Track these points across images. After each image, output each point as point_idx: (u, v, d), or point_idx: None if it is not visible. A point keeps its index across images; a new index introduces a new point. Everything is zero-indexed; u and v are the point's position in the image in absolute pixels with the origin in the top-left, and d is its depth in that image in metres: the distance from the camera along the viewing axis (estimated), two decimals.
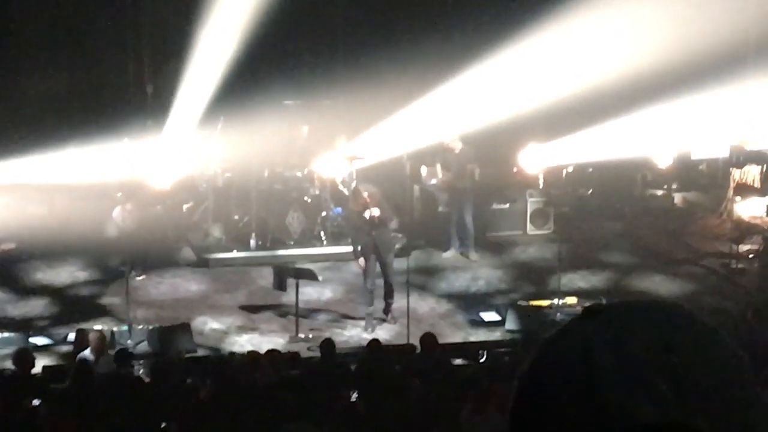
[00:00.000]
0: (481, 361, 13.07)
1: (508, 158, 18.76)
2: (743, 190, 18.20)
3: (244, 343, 14.25)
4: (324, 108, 19.31)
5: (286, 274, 14.80)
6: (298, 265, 15.35)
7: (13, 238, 17.21)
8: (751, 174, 18.32)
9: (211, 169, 17.70)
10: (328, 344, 12.36)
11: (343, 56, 20.37)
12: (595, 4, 18.05)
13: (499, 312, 15.09)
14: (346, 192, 17.09)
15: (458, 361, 13.09)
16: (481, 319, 15.08)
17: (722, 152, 18.50)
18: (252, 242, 17.15)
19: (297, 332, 14.33)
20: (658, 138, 18.90)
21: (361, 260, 14.71)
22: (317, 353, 12.64)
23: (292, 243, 17.16)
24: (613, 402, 1.21)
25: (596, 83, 17.96)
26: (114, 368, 11.82)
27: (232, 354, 13.14)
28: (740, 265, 16.76)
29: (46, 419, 10.42)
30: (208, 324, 14.90)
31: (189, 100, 18.75)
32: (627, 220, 19.13)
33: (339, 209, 17.41)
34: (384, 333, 14.46)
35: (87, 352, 12.18)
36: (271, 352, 12.38)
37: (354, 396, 11.14)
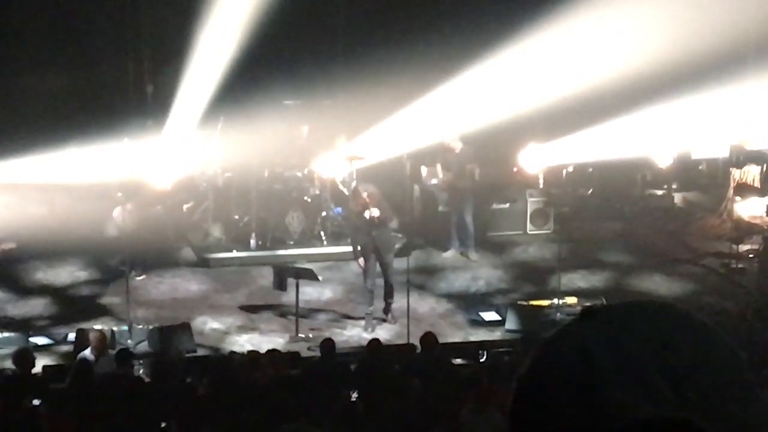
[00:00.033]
0: (481, 360, 13.07)
1: (508, 158, 18.76)
2: (743, 190, 18.19)
3: (244, 342, 14.25)
4: (324, 108, 19.31)
5: (286, 273, 14.80)
6: (298, 265, 15.36)
7: (13, 237, 17.21)
8: (751, 174, 18.31)
9: (211, 169, 17.70)
10: (328, 344, 12.36)
11: (343, 56, 20.36)
12: (595, 4, 18.05)
13: (499, 312, 15.10)
14: (346, 192, 17.09)
15: (458, 361, 13.09)
16: (481, 318, 15.08)
17: (722, 152, 18.50)
18: (252, 242, 17.15)
19: (297, 332, 14.34)
20: (658, 138, 18.90)
21: (361, 260, 14.72)
22: (317, 353, 12.64)
23: (292, 243, 17.17)
24: (613, 401, 1.22)
25: (596, 83, 17.96)
26: (114, 368, 11.83)
27: (232, 354, 13.14)
28: (740, 265, 16.76)
29: (46, 419, 10.42)
30: (208, 324, 14.90)
31: (189, 100, 18.74)
32: (627, 220, 19.13)
33: (339, 209, 17.42)
34: (384, 333, 14.46)
35: (87, 352, 12.18)
36: (271, 352, 12.39)
37: (354, 396, 11.14)
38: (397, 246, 15.87)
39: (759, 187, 18.10)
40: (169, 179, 17.54)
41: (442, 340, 13.19)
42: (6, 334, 14.35)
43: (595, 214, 19.23)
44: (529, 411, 1.29)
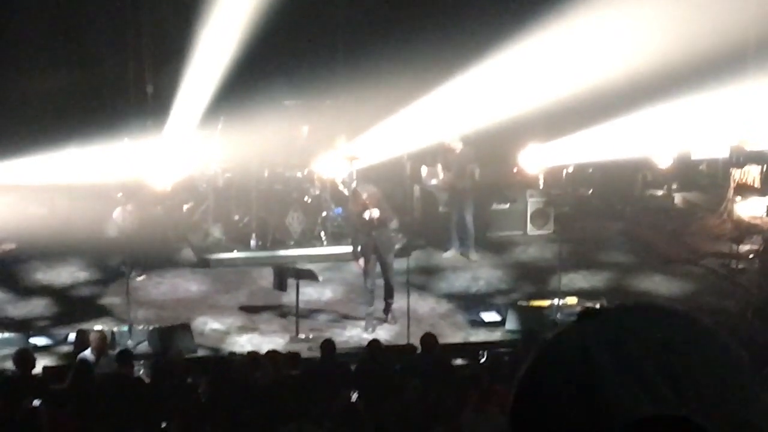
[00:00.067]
0: (482, 361, 13.07)
1: (508, 158, 18.76)
2: (743, 190, 18.20)
3: (244, 343, 14.25)
4: (324, 108, 19.31)
5: (287, 274, 14.80)
6: (299, 266, 15.36)
7: (13, 238, 17.21)
8: (751, 174, 18.32)
9: (212, 169, 17.70)
10: (328, 344, 12.36)
11: (343, 56, 20.37)
12: (595, 4, 18.05)
13: (499, 312, 15.10)
14: (346, 192, 17.09)
15: (458, 362, 13.09)
16: (482, 319, 15.08)
17: (722, 152, 18.52)
18: (252, 242, 17.15)
19: (297, 332, 14.33)
20: (659, 138, 18.90)
21: (361, 260, 14.71)
22: (317, 353, 12.64)
23: (292, 243, 17.16)
24: (613, 400, 1.22)
25: (596, 83, 17.96)
26: (114, 368, 11.82)
27: (233, 354, 13.14)
28: (740, 265, 16.76)
29: (47, 419, 10.42)
30: (209, 324, 14.90)
31: (189, 100, 18.75)
32: (627, 220, 19.13)
33: (339, 209, 17.42)
34: (384, 333, 14.46)
35: (87, 353, 12.18)
36: (272, 353, 12.39)
37: (354, 396, 11.14)
38: (397, 246, 15.86)
39: (759, 187, 18.12)
40: (169, 179, 17.54)
41: (442, 340, 13.19)
42: (6, 335, 14.35)
43: (595, 215, 19.24)
44: (529, 410, 1.29)
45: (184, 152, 17.89)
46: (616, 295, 15.73)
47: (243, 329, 14.79)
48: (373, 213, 14.47)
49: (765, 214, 17.75)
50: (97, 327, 13.83)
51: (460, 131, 17.28)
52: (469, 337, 14.58)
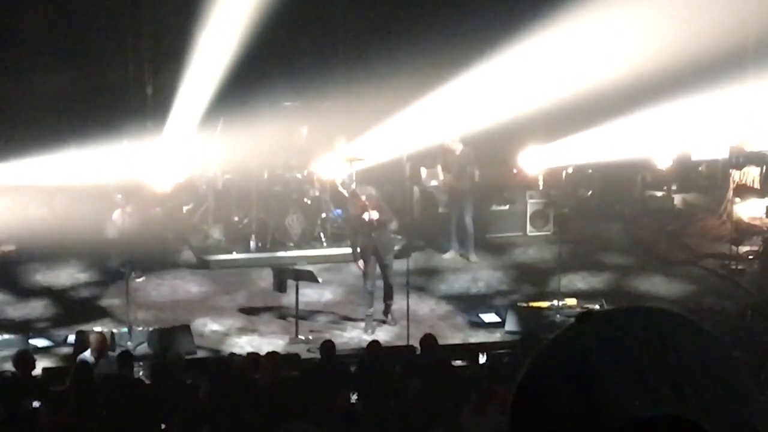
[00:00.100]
0: (481, 362, 13.07)
1: (507, 159, 18.76)
2: (743, 191, 18.20)
3: (244, 344, 14.25)
4: (323, 109, 19.29)
5: (286, 275, 14.80)
6: (298, 267, 15.35)
7: (13, 239, 17.21)
8: (751, 175, 18.32)
9: (211, 170, 17.71)
10: (328, 346, 12.36)
11: (342, 57, 20.36)
12: (595, 5, 18.06)
13: (498, 313, 15.10)
14: (345, 193, 17.09)
15: (458, 363, 13.10)
16: (481, 320, 15.08)
17: (722, 153, 18.51)
18: (252, 244, 17.15)
19: (297, 334, 14.34)
20: (658, 139, 18.91)
21: (361, 262, 14.72)
22: (317, 355, 12.64)
23: (291, 244, 17.16)
24: (612, 400, 1.22)
25: (596, 84, 17.96)
26: (114, 370, 11.82)
27: (232, 355, 13.14)
28: (740, 266, 16.77)
29: (47, 420, 10.42)
30: (208, 325, 14.90)
31: (189, 101, 18.74)
32: (627, 221, 19.12)
33: (339, 211, 17.42)
34: (384, 334, 14.46)
35: (87, 354, 12.18)
36: (271, 354, 12.39)
37: (354, 397, 11.15)
38: (396, 247, 15.87)
39: (758, 188, 18.11)
40: (169, 181, 17.54)
41: (441, 341, 13.20)
42: (6, 336, 14.35)
43: (594, 216, 19.23)
44: (529, 411, 1.30)
45: (183, 154, 17.89)
46: (615, 296, 15.74)
47: (243, 330, 14.79)
48: (372, 214, 14.47)
49: (764, 215, 17.75)
50: (97, 328, 13.81)
51: (460, 132, 17.27)
52: (468, 338, 14.58)
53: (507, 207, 18.35)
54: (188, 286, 16.37)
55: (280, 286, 14.82)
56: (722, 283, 16.59)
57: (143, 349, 13.80)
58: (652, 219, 19.22)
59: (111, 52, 20.08)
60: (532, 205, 18.30)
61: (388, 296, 14.85)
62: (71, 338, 13.89)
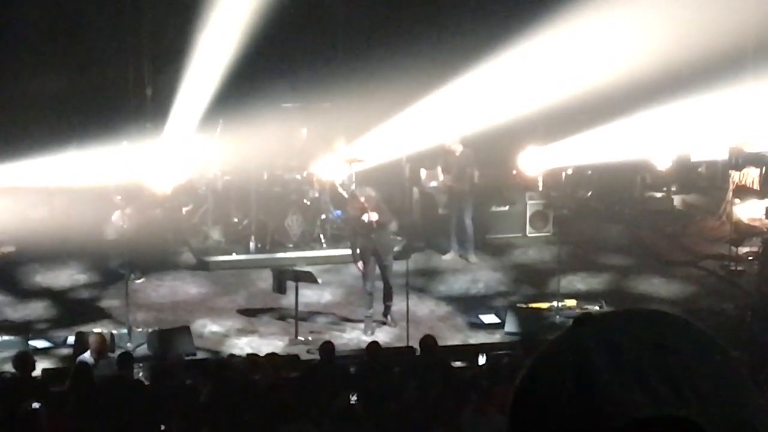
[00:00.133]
0: (481, 363, 13.07)
1: (507, 160, 18.77)
2: (742, 192, 18.21)
3: (243, 345, 14.25)
4: (323, 110, 19.30)
5: (286, 276, 14.80)
6: (298, 268, 15.35)
7: (12, 241, 17.21)
8: (751, 176, 18.33)
9: (211, 172, 17.71)
10: (327, 347, 12.36)
11: (342, 59, 20.36)
12: (595, 6, 18.06)
13: (498, 314, 15.10)
14: (345, 194, 17.09)
15: (458, 364, 13.09)
16: (481, 321, 15.08)
17: (721, 154, 18.51)
18: (251, 245, 17.15)
19: (296, 335, 14.33)
20: (658, 140, 18.91)
21: (360, 263, 14.72)
22: (317, 356, 12.64)
23: (291, 246, 17.16)
24: (612, 400, 1.22)
25: (596, 85, 17.96)
26: (114, 371, 11.83)
27: (232, 357, 13.14)
28: (739, 267, 16.77)
29: (46, 422, 10.42)
30: (208, 327, 14.90)
31: (188, 102, 18.74)
32: (626, 222, 19.13)
33: (338, 212, 17.41)
34: (383, 335, 14.46)
35: (86, 355, 12.17)
36: (271, 355, 12.39)
37: (353, 398, 11.15)
38: (396, 249, 15.87)
39: (758, 189, 18.12)
40: (169, 182, 17.54)
41: (441, 342, 13.19)
42: (5, 338, 14.35)
43: (594, 217, 19.24)
44: (528, 412, 1.30)
45: (183, 155, 17.89)
46: (615, 297, 15.75)
47: (242, 332, 14.79)
48: (371, 216, 14.47)
49: (764, 216, 17.75)
50: (97, 329, 13.81)
51: (460, 133, 17.28)
52: (468, 339, 14.58)
53: (507, 208, 18.35)
54: (188, 287, 16.37)
55: (280, 287, 14.82)
56: (722, 283, 16.59)
57: (143, 350, 13.80)
58: (651, 220, 19.22)
59: (111, 52, 20.09)
60: (531, 206, 18.31)
61: (387, 297, 14.85)
62: (71, 339, 13.88)
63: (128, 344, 13.77)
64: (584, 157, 19.02)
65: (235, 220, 17.72)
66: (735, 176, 18.44)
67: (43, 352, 13.87)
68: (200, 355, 13.78)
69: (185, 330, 14.12)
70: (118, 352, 12.86)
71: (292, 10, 19.14)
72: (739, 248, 17.02)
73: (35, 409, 10.57)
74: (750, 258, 16.86)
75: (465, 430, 10.40)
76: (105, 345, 12.48)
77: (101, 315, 15.23)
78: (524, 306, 15.27)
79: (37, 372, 12.30)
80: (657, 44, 17.78)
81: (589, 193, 19.99)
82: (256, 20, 18.60)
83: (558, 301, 15.12)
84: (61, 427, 10.62)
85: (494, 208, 18.29)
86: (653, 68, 17.84)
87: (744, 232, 17.48)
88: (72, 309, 15.54)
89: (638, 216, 19.34)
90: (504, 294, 16.28)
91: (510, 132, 18.14)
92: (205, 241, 17.51)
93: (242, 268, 16.88)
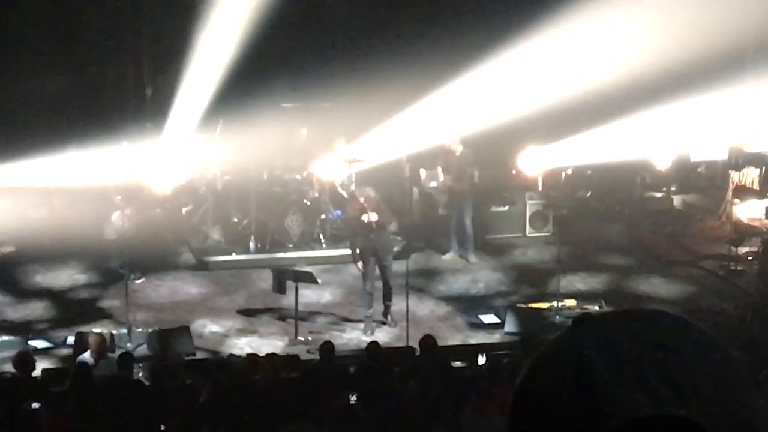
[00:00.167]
0: (480, 363, 13.07)
1: (507, 161, 18.77)
2: (742, 192, 18.22)
3: (243, 345, 14.25)
4: (323, 111, 19.30)
5: (286, 276, 14.80)
6: (298, 268, 15.35)
7: (12, 241, 17.21)
8: (750, 176, 18.34)
9: (211, 172, 17.71)
10: (327, 347, 12.36)
11: (342, 59, 20.36)
12: (594, 6, 18.06)
13: (498, 314, 15.10)
14: (345, 195, 17.09)
15: (457, 364, 13.09)
16: (481, 321, 15.08)
17: (721, 154, 18.52)
18: (251, 245, 17.15)
19: (296, 335, 14.33)
20: (658, 140, 18.92)
21: (360, 263, 14.72)
22: (317, 356, 12.64)
23: (291, 246, 17.16)
24: (611, 400, 1.23)
25: (595, 85, 17.96)
26: (114, 371, 11.83)
27: (232, 357, 13.15)
28: (739, 267, 16.78)
29: (46, 422, 10.42)
30: (208, 327, 14.90)
31: (188, 102, 18.75)
32: (626, 222, 19.14)
33: (338, 212, 17.41)
34: (383, 335, 14.46)
35: (86, 355, 12.17)
36: (271, 355, 12.39)
37: (353, 398, 11.15)
38: (396, 249, 15.87)
39: (758, 189, 18.13)
40: (169, 182, 17.54)
41: (441, 342, 13.19)
42: (5, 338, 14.35)
43: (594, 217, 19.25)
44: (528, 412, 1.30)
45: (183, 155, 17.89)
46: (615, 297, 15.75)
47: (242, 332, 14.79)
48: (371, 216, 14.47)
49: (764, 216, 17.76)
50: (96, 330, 13.81)
51: (460, 134, 17.28)
52: (468, 339, 14.58)
53: (506, 208, 18.36)
54: (188, 287, 16.38)
55: (280, 288, 14.82)
56: (721, 284, 16.59)
57: (143, 350, 13.80)
58: (651, 220, 19.23)
59: (111, 52, 20.10)
60: (531, 206, 18.31)
61: (387, 297, 14.85)
62: (71, 339, 13.88)
63: (128, 344, 13.78)
64: (584, 157, 19.02)
65: (235, 220, 17.72)
66: (735, 176, 18.45)
67: (43, 352, 13.86)
68: (200, 355, 13.78)
69: (185, 330, 14.12)
70: (118, 352, 12.86)
71: (292, 10, 19.12)
72: (739, 248, 17.02)
73: (35, 409, 10.57)
74: (750, 258, 16.87)
75: (465, 430, 10.40)
76: (105, 345, 12.48)
77: (101, 315, 15.23)
78: (524, 306, 15.27)
79: (37, 372, 12.30)
80: (657, 44, 17.78)
81: (589, 193, 19.99)
82: (256, 20, 18.60)
83: (558, 301, 15.12)
84: (61, 427, 10.63)
85: (494, 208, 18.29)
86: (653, 68, 17.84)
87: (744, 232, 17.48)
88: (72, 309, 15.54)
89: (638, 216, 19.35)
90: (504, 294, 16.29)
91: (510, 132, 18.15)
92: (205, 241, 17.51)
93: (242, 268, 16.88)
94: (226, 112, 18.04)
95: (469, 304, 15.76)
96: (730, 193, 18.47)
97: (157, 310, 15.47)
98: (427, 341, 12.55)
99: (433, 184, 18.00)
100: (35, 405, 10.67)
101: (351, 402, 11.03)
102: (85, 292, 16.23)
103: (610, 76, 17.90)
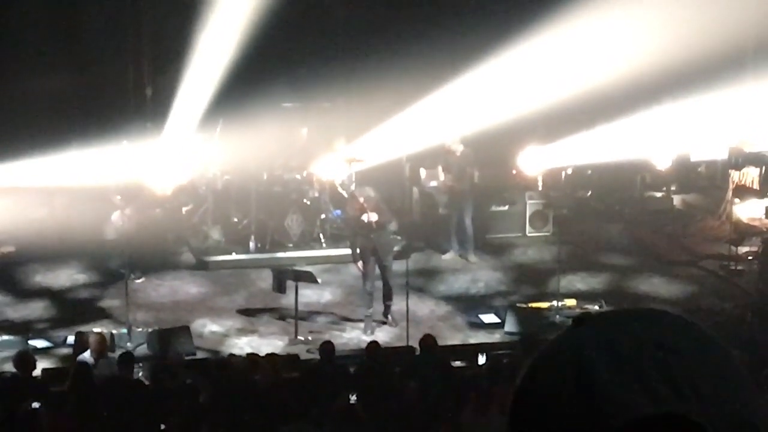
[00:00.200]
0: (481, 363, 13.08)
1: (507, 160, 18.77)
2: (742, 192, 18.21)
3: (243, 345, 14.25)
4: (323, 110, 19.31)
5: (286, 276, 14.80)
6: (298, 268, 15.36)
7: (12, 241, 17.21)
8: (750, 176, 18.33)
9: (211, 171, 17.71)
10: (327, 346, 12.36)
11: (342, 58, 20.36)
12: (594, 5, 18.06)
13: (498, 314, 15.10)
14: (345, 194, 17.09)
15: (457, 363, 13.10)
16: (481, 321, 15.08)
17: (721, 154, 18.52)
18: (251, 245, 17.15)
19: (296, 335, 14.33)
20: (658, 140, 18.92)
21: (360, 263, 14.72)
22: (317, 355, 12.64)
23: (291, 245, 17.16)
24: (611, 399, 1.23)
25: (595, 85, 17.97)
26: (113, 371, 11.83)
27: (232, 356, 13.14)
28: (739, 267, 16.77)
29: (46, 421, 10.43)
30: (208, 326, 14.90)
31: (188, 102, 18.75)
32: (626, 221, 19.14)
33: (338, 211, 17.42)
34: (383, 335, 14.46)
35: (86, 355, 12.17)
36: (271, 355, 12.39)
37: (353, 398, 11.15)
38: (396, 248, 15.87)
39: (758, 189, 18.13)
40: (169, 182, 17.54)
41: (441, 342, 13.19)
42: (5, 338, 14.35)
43: (594, 216, 19.24)
44: (528, 411, 1.30)
45: (183, 155, 17.89)
46: (615, 296, 15.75)
47: (242, 331, 14.79)
48: (371, 216, 14.47)
49: (764, 215, 17.76)
50: (97, 329, 13.81)
51: (460, 133, 17.28)
52: (468, 339, 14.58)
53: (506, 208, 18.36)
54: (188, 287, 16.38)
55: (280, 287, 14.82)
56: (722, 283, 16.59)
57: (143, 350, 13.80)
58: (651, 220, 19.23)
59: (111, 52, 20.09)
60: (531, 205, 18.31)
61: (387, 297, 14.85)
62: (71, 339, 13.88)
63: (128, 344, 13.78)
64: (584, 157, 19.02)
65: (235, 219, 17.72)
66: (735, 176, 18.45)
67: (43, 351, 13.86)
68: (200, 354, 13.78)
69: (185, 330, 14.12)
70: (118, 352, 12.87)
71: (292, 10, 19.12)
72: (739, 248, 17.02)
73: (35, 409, 10.58)
74: (750, 258, 16.87)
75: (465, 430, 10.40)
76: (105, 345, 12.48)
77: (101, 315, 15.23)
78: (524, 306, 15.27)
79: (37, 372, 12.30)
80: (657, 44, 17.78)
81: (589, 193, 19.99)
82: (256, 20, 18.60)
83: (558, 301, 15.12)
84: (61, 427, 10.63)
85: (494, 208, 18.29)
86: (653, 68, 17.85)
87: (744, 232, 17.48)
88: (72, 309, 15.54)
89: (638, 216, 19.34)
90: (504, 294, 16.29)
91: (510, 132, 18.15)
92: (205, 240, 17.51)
93: (242, 268, 16.88)
94: (226, 112, 18.04)
95: (469, 304, 15.76)
96: (730, 193, 18.47)
97: (157, 309, 15.47)
98: (427, 341, 12.55)
99: (434, 183, 18.00)
100: (35, 405, 10.67)
101: (351, 402, 11.03)
102: (85, 291, 16.23)
103: (610, 76, 17.90)
